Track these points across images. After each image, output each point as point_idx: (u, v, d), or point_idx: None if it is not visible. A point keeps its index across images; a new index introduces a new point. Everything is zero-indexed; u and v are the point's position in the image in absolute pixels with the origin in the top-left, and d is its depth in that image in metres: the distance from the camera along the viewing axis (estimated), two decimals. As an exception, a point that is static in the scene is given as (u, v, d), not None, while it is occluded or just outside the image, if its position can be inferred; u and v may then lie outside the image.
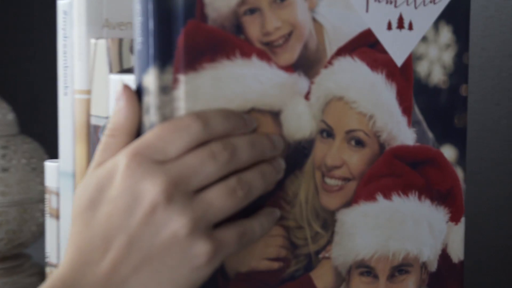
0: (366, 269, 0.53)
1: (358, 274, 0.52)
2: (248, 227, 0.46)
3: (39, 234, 0.78)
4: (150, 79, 0.45)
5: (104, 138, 0.46)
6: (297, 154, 0.49)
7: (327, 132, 0.50)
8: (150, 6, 0.45)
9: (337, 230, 0.51)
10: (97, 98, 0.51)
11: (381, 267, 0.53)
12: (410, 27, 0.53)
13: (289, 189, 0.49)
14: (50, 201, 0.55)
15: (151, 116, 0.45)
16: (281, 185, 0.49)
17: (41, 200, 0.76)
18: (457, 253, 0.56)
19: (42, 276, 0.76)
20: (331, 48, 0.50)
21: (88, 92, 0.51)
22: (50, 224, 0.56)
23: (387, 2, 0.52)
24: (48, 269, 0.56)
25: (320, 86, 0.50)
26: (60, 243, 0.54)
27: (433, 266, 0.55)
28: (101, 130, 0.50)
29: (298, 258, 0.50)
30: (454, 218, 0.56)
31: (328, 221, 0.51)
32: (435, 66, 0.54)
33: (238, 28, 0.47)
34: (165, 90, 0.45)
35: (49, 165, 0.56)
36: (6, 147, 0.76)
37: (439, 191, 0.55)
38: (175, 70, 0.45)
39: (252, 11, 0.47)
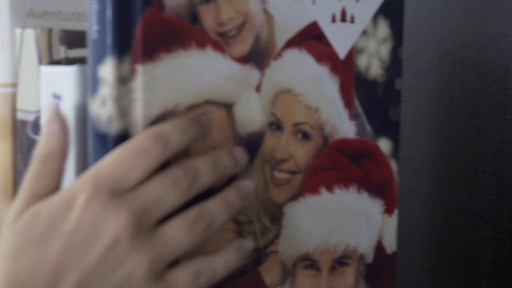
0: (310, 262, 0.52)
1: (303, 267, 0.52)
2: (206, 265, 0.43)
3: None
4: (107, 70, 0.43)
5: (34, 166, 0.42)
6: (248, 147, 0.48)
7: (276, 125, 0.50)
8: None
9: (284, 224, 0.51)
10: (24, 92, 0.48)
11: (324, 259, 0.53)
12: (352, 20, 0.53)
13: (241, 183, 0.48)
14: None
15: (107, 108, 0.43)
16: (233, 179, 0.48)
17: None
18: (390, 244, 0.57)
19: None
20: (281, 39, 0.50)
21: (13, 85, 0.48)
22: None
23: (331, -5, 0.52)
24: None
25: (270, 78, 0.49)
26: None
27: (369, 258, 0.56)
28: (30, 126, 0.48)
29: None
30: (389, 210, 0.57)
31: (276, 215, 0.50)
32: (374, 60, 0.55)
33: (194, 17, 0.46)
34: (123, 81, 0.43)
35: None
36: None
37: (376, 183, 0.56)
38: (133, 60, 0.43)
39: (208, 0, 0.46)
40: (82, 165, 0.46)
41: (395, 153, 0.57)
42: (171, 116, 0.45)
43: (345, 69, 0.53)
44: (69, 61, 0.48)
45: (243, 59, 0.48)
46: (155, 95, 0.44)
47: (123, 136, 0.43)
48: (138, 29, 0.43)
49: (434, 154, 0.72)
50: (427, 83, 0.72)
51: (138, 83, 0.43)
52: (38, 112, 0.47)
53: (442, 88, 0.71)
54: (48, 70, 0.46)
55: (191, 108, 0.46)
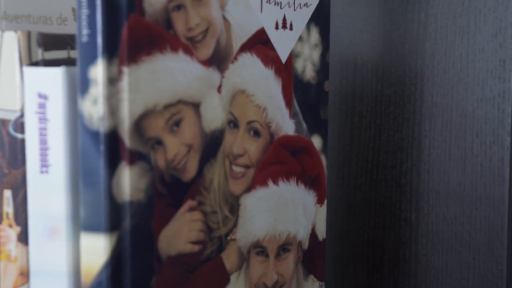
0: (260, 248, 0.57)
1: (255, 253, 0.57)
2: None
3: None
4: (98, 71, 0.46)
5: None
6: (212, 144, 0.53)
7: (234, 123, 0.54)
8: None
9: (241, 214, 0.55)
10: (4, 91, 0.50)
11: (271, 246, 0.58)
12: (291, 27, 0.59)
13: (206, 176, 0.52)
14: None
15: (99, 107, 0.46)
16: (201, 173, 0.52)
17: None
18: (321, 231, 0.63)
19: None
20: (236, 44, 0.54)
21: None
22: None
23: (275, 4, 0.57)
24: None
25: (228, 80, 0.54)
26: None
27: (306, 244, 0.61)
28: (11, 124, 0.50)
29: (213, 241, 0.53)
30: (320, 201, 0.62)
31: (234, 206, 0.55)
32: (308, 63, 0.60)
33: (168, 23, 0.49)
34: (112, 81, 0.46)
35: None
36: None
37: (310, 176, 0.61)
38: (120, 62, 0.46)
39: (179, 7, 0.50)
40: (74, 161, 0.48)
41: (324, 148, 0.63)
42: (151, 115, 0.48)
43: (286, 71, 0.58)
44: (46, 63, 0.51)
45: (207, 62, 0.52)
46: (139, 95, 0.47)
47: (113, 133, 0.46)
48: (124, 33, 0.46)
49: (339, 150, 0.79)
50: (332, 86, 0.78)
51: (124, 83, 0.47)
52: (20, 111, 0.49)
53: (345, 90, 0.78)
54: (33, 71, 0.48)
55: (167, 107, 0.49)
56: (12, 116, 0.49)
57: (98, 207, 0.46)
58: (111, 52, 0.46)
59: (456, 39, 0.70)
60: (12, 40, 0.49)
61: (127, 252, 0.47)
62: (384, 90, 0.75)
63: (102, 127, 0.46)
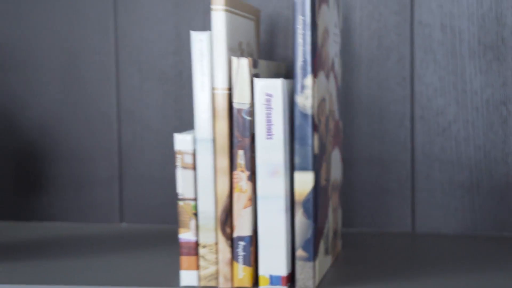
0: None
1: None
2: None
3: None
4: (309, 81, 0.84)
5: None
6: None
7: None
8: (308, 40, 0.84)
9: (332, 165, 0.95)
10: (240, 92, 0.85)
11: (333, 186, 0.98)
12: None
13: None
14: (183, 159, 0.85)
15: (309, 100, 0.84)
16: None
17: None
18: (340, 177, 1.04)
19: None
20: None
21: (229, 89, 0.85)
22: (183, 173, 0.85)
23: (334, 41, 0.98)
24: (180, 203, 0.86)
25: (331, 85, 0.94)
26: (197, 184, 0.85)
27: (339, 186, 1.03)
28: (244, 111, 0.85)
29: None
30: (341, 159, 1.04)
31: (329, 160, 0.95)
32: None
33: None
34: (311, 87, 0.85)
35: (177, 136, 0.86)
36: None
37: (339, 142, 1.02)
38: (314, 76, 0.85)
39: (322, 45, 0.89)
40: (286, 132, 0.85)
41: (337, 128, 1.04)
42: (322, 103, 0.87)
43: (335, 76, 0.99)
44: (255, 75, 0.87)
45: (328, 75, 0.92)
46: (317, 93, 0.86)
47: (312, 114, 0.84)
48: (315, 62, 0.85)
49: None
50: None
51: (315, 87, 0.85)
52: (249, 104, 0.85)
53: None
54: (262, 81, 0.84)
55: (325, 99, 0.88)
56: (244, 107, 0.85)
57: (306, 157, 0.84)
58: (314, 71, 0.84)
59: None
60: (245, 63, 0.85)
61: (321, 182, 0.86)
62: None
63: (309, 111, 0.84)
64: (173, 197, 1.19)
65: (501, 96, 1.10)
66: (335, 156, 0.99)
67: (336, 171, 1.00)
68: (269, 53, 1.16)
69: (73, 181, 1.21)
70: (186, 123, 1.18)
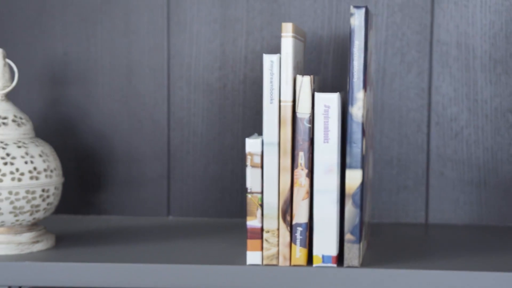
0: (366, 182, 1.15)
1: (366, 184, 1.14)
2: None
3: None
4: (361, 95, 1.01)
5: None
6: (366, 129, 1.10)
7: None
8: (362, 61, 1.01)
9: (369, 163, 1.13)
10: (302, 104, 1.02)
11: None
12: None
13: (366, 145, 1.09)
14: (252, 159, 1.02)
15: (360, 111, 1.01)
16: (366, 142, 1.09)
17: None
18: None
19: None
20: (367, 81, 1.12)
21: (293, 101, 1.02)
22: (251, 170, 1.02)
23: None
24: (249, 195, 1.03)
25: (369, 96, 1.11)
26: (264, 180, 1.02)
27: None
28: (306, 120, 1.02)
29: (366, 176, 1.10)
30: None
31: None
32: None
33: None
34: (363, 100, 1.02)
35: (248, 140, 1.03)
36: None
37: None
38: (364, 91, 1.02)
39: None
40: (340, 138, 1.03)
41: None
42: (367, 113, 1.04)
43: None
44: (313, 89, 1.04)
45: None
46: (365, 105, 1.03)
47: (363, 122, 1.02)
48: (365, 79, 1.03)
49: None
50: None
51: (365, 99, 1.03)
52: (309, 114, 1.02)
53: None
54: (321, 94, 1.02)
55: (369, 110, 1.06)
56: (306, 116, 1.02)
57: (357, 157, 1.02)
58: (363, 87, 1.02)
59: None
60: (307, 80, 1.02)
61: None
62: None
63: (361, 119, 1.01)
64: (215, 193, 1.36)
65: (508, 104, 1.29)
66: (370, 157, 1.17)
67: (370, 170, 1.18)
68: (306, 68, 1.33)
69: (127, 180, 1.38)
70: (229, 129, 1.35)
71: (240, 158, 1.36)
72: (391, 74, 1.31)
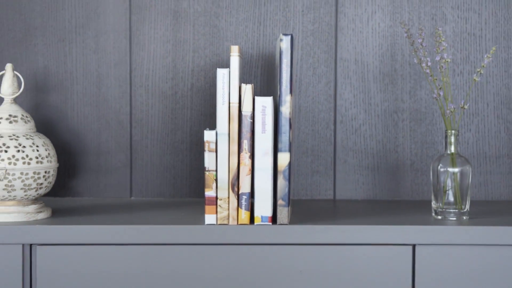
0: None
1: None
2: None
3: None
4: (288, 98, 1.40)
5: None
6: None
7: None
8: (289, 73, 1.39)
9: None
10: (246, 105, 1.40)
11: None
12: None
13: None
14: (209, 145, 1.39)
15: (288, 109, 1.40)
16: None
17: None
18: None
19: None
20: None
21: (238, 102, 1.40)
22: (208, 155, 1.40)
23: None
24: (207, 173, 1.40)
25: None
26: (217, 161, 1.39)
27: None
28: (248, 116, 1.40)
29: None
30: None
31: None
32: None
33: (290, 81, 1.45)
34: (291, 101, 1.41)
35: (206, 132, 1.40)
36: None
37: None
38: (291, 94, 1.41)
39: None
40: (274, 129, 1.41)
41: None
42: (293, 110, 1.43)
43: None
44: (252, 96, 1.42)
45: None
46: (291, 106, 1.42)
47: (289, 117, 1.40)
48: (291, 86, 1.41)
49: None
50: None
51: (291, 102, 1.41)
52: (251, 112, 1.40)
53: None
54: (260, 98, 1.40)
55: (291, 110, 1.44)
56: (248, 114, 1.40)
57: (286, 143, 1.40)
58: (290, 92, 1.40)
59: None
60: (249, 87, 1.40)
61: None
62: None
63: (288, 116, 1.40)
64: (169, 178, 1.72)
65: (393, 107, 1.70)
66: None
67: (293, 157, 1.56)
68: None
69: (97, 169, 1.72)
70: (179, 127, 1.72)
71: (188, 150, 1.72)
72: (305, 84, 1.71)
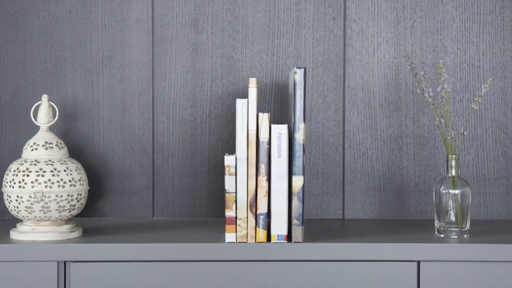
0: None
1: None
2: None
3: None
4: (302, 126, 1.52)
5: None
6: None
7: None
8: (302, 102, 1.52)
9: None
10: (263, 132, 1.53)
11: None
12: None
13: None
14: (229, 169, 1.52)
15: (301, 135, 1.52)
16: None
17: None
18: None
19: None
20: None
21: (256, 129, 1.53)
22: (228, 178, 1.52)
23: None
24: (227, 195, 1.52)
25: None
26: (237, 184, 1.52)
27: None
28: (265, 142, 1.53)
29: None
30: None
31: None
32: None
33: (303, 110, 1.58)
34: (304, 128, 1.53)
35: (226, 156, 1.52)
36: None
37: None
38: (304, 122, 1.54)
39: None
40: (289, 154, 1.53)
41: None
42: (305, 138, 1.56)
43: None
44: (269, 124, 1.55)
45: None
46: (305, 133, 1.55)
47: (304, 144, 1.53)
48: (305, 115, 1.54)
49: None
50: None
51: (304, 129, 1.54)
52: (267, 138, 1.52)
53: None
54: (276, 126, 1.52)
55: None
56: (265, 140, 1.52)
57: (300, 167, 1.52)
58: (303, 120, 1.53)
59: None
60: (266, 116, 1.53)
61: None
62: None
63: (302, 142, 1.52)
64: (188, 199, 1.84)
65: (398, 132, 1.82)
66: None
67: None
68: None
69: (121, 190, 1.85)
70: (198, 151, 1.84)
71: (207, 173, 1.85)
72: (316, 110, 1.84)
